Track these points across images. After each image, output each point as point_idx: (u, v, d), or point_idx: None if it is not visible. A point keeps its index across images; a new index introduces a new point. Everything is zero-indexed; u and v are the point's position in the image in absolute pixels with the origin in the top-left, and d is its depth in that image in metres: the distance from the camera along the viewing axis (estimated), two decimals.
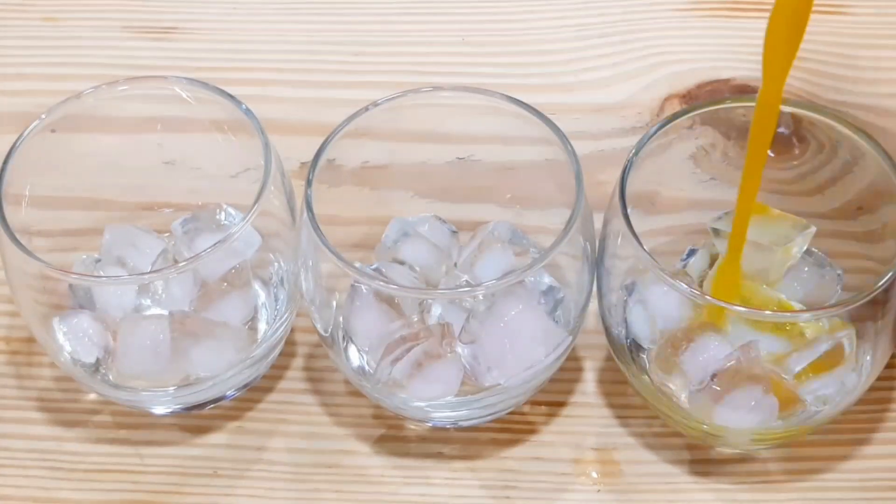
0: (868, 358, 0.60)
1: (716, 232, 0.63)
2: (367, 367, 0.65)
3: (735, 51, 0.81)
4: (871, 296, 0.58)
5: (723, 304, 0.58)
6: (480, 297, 0.62)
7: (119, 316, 0.66)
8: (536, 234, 0.69)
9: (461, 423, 0.66)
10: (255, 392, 0.68)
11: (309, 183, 0.62)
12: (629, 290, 0.64)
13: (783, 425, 0.60)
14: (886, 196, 0.62)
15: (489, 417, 0.66)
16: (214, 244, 0.62)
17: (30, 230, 0.66)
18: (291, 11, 0.85)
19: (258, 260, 0.67)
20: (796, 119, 0.64)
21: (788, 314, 0.61)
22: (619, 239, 0.61)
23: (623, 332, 0.64)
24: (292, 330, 0.70)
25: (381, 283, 0.62)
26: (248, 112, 0.66)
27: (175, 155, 0.71)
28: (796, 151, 0.67)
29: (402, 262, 0.67)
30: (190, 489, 0.66)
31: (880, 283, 0.58)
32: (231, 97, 0.67)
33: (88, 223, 0.70)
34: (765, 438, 0.62)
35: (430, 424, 0.67)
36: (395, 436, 0.67)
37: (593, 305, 0.64)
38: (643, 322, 0.63)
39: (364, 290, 0.63)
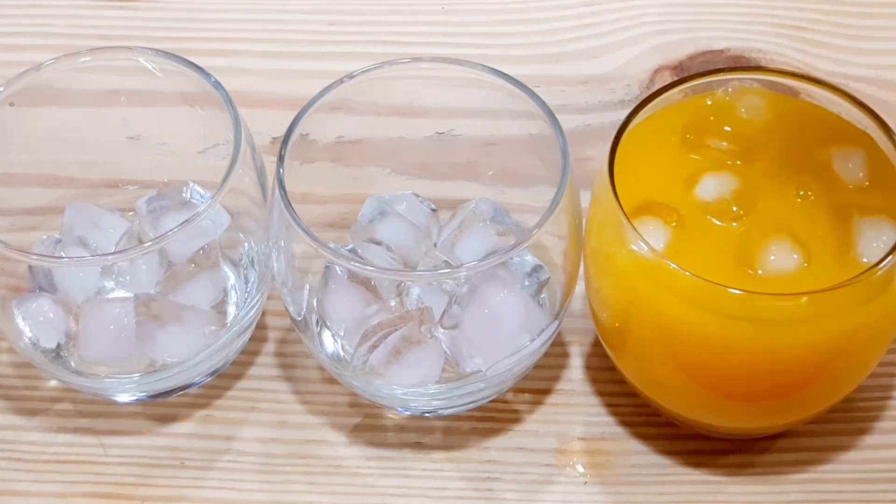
0: None
1: None
2: (342, 353, 0.64)
3: (729, 20, 0.81)
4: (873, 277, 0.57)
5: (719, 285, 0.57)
6: (461, 280, 0.62)
7: (81, 299, 0.66)
8: (520, 213, 0.68)
9: (441, 412, 0.66)
10: (224, 379, 0.68)
11: (281, 159, 0.62)
12: None
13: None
14: (888, 173, 0.61)
15: (471, 406, 0.66)
16: (181, 223, 0.61)
17: None
18: None
19: (227, 240, 0.67)
20: (793, 91, 0.63)
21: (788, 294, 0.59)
22: (608, 217, 0.60)
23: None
24: (263, 313, 0.69)
25: (357, 264, 0.62)
26: (216, 84, 0.66)
27: (140, 130, 0.71)
28: None
29: (378, 243, 0.66)
30: (155, 481, 0.65)
31: (882, 265, 0.57)
32: (199, 69, 0.66)
33: (49, 201, 0.70)
34: None
35: (408, 413, 0.66)
36: (371, 425, 0.66)
37: (580, 288, 0.64)
38: None
39: (339, 272, 0.63)
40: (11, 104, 0.66)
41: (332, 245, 0.63)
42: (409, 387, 0.63)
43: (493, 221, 0.67)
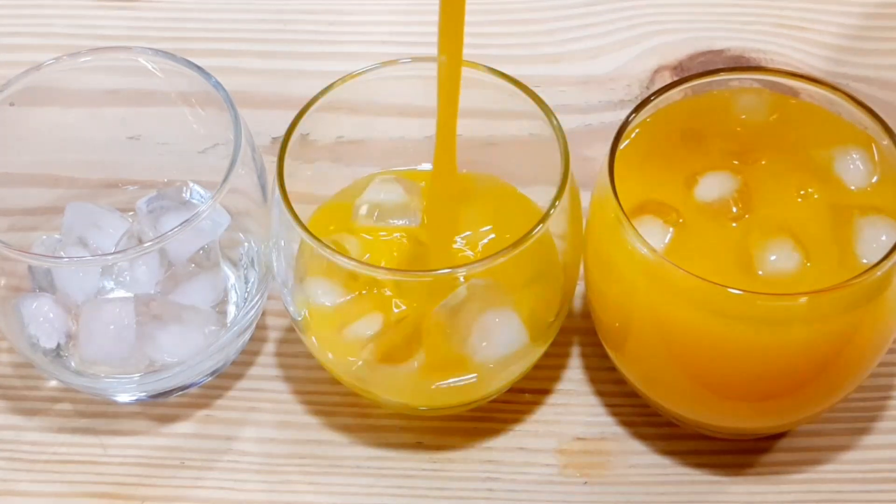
0: None
1: None
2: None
3: (729, 20, 0.81)
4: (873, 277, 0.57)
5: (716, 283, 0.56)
6: (461, 279, 0.61)
7: (81, 299, 0.66)
8: None
9: (440, 412, 0.65)
10: (224, 379, 0.68)
11: (281, 159, 0.62)
12: None
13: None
14: (888, 173, 0.61)
15: (470, 405, 0.65)
16: (181, 223, 0.61)
17: None
18: None
19: (227, 240, 0.67)
20: (793, 91, 0.63)
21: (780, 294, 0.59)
22: (608, 217, 0.60)
23: None
24: (263, 313, 0.69)
25: (356, 264, 0.61)
26: (216, 85, 0.66)
27: (140, 130, 0.71)
28: None
29: None
30: (155, 481, 0.65)
31: (882, 265, 0.57)
32: (199, 69, 0.66)
33: (49, 201, 0.70)
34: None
35: (407, 412, 0.66)
36: (371, 425, 0.66)
37: (580, 288, 0.64)
38: None
39: None
40: (11, 104, 0.66)
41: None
42: (406, 386, 0.62)
43: None
